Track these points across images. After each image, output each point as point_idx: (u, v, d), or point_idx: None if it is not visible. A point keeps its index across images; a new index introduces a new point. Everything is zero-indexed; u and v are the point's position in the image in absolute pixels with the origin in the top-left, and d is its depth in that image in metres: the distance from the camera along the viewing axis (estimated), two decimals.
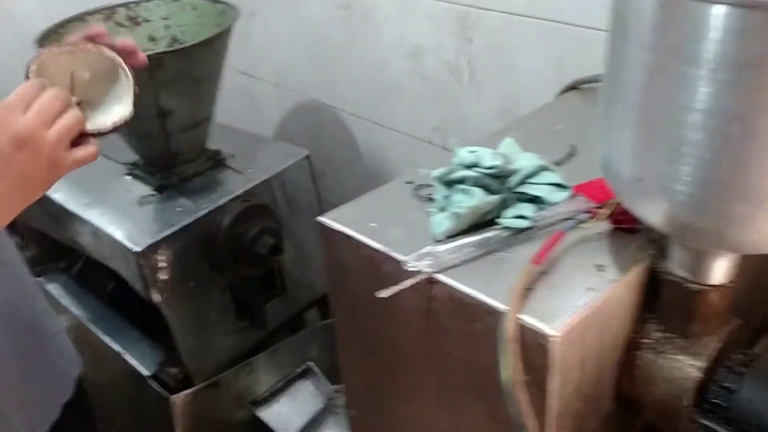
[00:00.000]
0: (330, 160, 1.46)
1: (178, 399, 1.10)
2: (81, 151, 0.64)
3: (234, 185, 1.13)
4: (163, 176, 1.13)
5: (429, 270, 0.53)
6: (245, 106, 1.67)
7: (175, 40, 1.18)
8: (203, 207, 1.08)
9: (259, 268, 1.13)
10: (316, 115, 1.48)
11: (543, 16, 0.96)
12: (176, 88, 1.01)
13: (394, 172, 1.35)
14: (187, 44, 0.98)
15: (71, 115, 0.62)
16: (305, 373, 1.29)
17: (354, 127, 1.40)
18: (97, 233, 1.07)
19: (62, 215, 1.15)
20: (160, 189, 1.12)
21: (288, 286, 1.24)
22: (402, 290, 0.52)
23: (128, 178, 1.17)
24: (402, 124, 1.29)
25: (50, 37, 1.06)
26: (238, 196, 1.10)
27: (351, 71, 1.34)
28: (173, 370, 1.12)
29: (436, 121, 1.22)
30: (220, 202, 1.09)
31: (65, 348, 0.92)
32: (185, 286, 1.08)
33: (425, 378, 0.59)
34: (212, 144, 1.19)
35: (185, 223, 1.05)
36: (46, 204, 1.17)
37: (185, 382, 1.12)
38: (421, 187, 0.68)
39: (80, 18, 1.12)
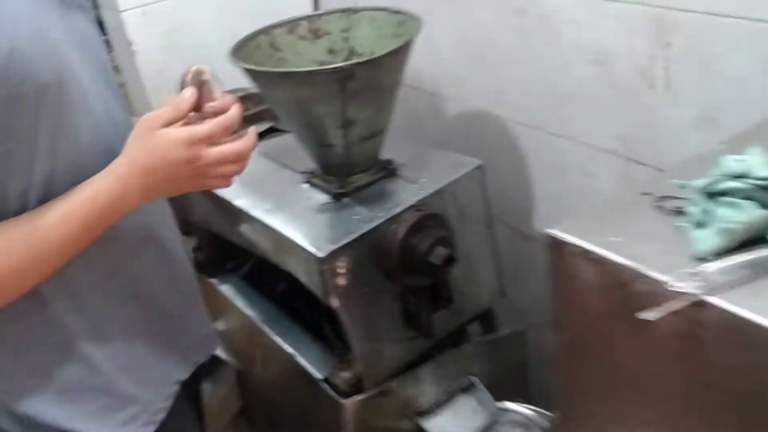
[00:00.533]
0: (495, 170, 1.43)
1: (351, 404, 1.12)
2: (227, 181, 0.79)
3: (407, 195, 1.14)
4: (339, 185, 1.15)
5: (698, 292, 0.49)
6: (402, 115, 1.69)
7: (353, 52, 1.21)
8: (379, 216, 1.09)
9: (430, 278, 1.13)
10: (478, 124, 1.47)
11: (755, 17, 0.89)
12: (363, 99, 1.03)
13: (569, 183, 1.31)
14: (377, 54, 1.00)
15: (239, 166, 0.79)
16: (468, 388, 1.27)
17: (523, 136, 1.37)
18: (280, 238, 1.11)
19: (244, 220, 1.21)
20: (337, 197, 1.15)
21: (454, 298, 1.23)
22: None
23: (306, 186, 1.21)
24: (580, 133, 1.24)
25: (240, 50, 1.12)
26: (412, 206, 1.11)
27: (522, 78, 1.31)
28: (346, 375, 1.14)
29: (622, 129, 1.16)
30: (395, 211, 1.10)
31: (197, 331, 1.00)
32: (360, 293, 1.09)
33: (671, 409, 0.55)
34: (384, 153, 1.21)
35: (363, 231, 1.07)
36: (226, 209, 1.24)
37: (356, 388, 1.14)
38: (664, 198, 0.63)
39: (266, 32, 1.17)
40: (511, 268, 1.43)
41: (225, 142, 0.75)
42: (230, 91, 1.52)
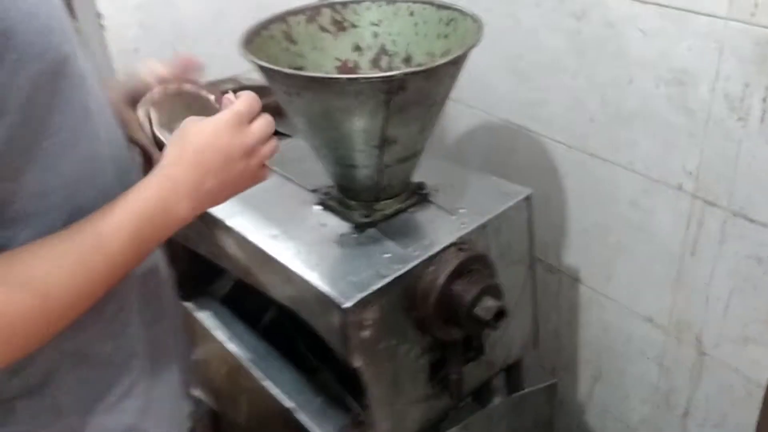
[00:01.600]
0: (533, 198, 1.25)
1: None
2: (266, 171, 0.71)
3: (445, 228, 0.94)
4: (364, 212, 0.95)
5: None
6: None
7: (384, 50, 1.01)
8: (415, 255, 0.89)
9: (471, 331, 0.94)
10: (510, 141, 1.28)
11: None
12: (408, 115, 0.83)
13: (615, 216, 1.14)
14: (435, 64, 0.79)
15: (275, 142, 0.69)
16: None
17: (564, 158, 1.19)
18: (290, 276, 0.90)
19: (242, 246, 0.99)
20: (361, 227, 0.95)
21: (486, 348, 1.04)
22: None
23: (318, 208, 1.00)
24: (639, 162, 1.07)
25: (254, 40, 0.90)
26: (453, 243, 0.91)
27: (571, 92, 1.13)
28: None
29: (694, 163, 1.00)
30: (434, 250, 0.90)
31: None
32: (386, 346, 0.90)
33: None
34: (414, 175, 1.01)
35: (397, 274, 0.87)
36: (218, 229, 1.02)
37: None
38: None
39: (282, 18, 0.96)
40: None
41: None
42: (219, 82, 1.30)
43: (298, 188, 1.05)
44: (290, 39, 0.96)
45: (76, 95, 0.60)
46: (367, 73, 1.01)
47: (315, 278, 0.87)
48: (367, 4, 0.99)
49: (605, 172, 1.14)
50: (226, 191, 0.67)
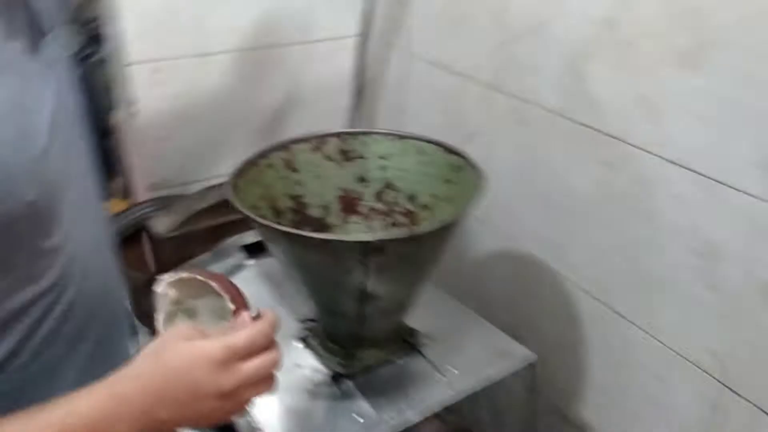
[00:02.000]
0: (542, 336, 1.15)
1: None
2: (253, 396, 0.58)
3: (430, 390, 0.86)
4: (343, 361, 0.88)
5: None
6: None
7: (389, 185, 0.95)
8: (389, 421, 0.81)
9: None
10: (534, 276, 1.18)
11: None
12: (391, 275, 0.76)
13: (633, 379, 1.02)
14: (422, 230, 0.72)
15: (272, 382, 0.58)
16: None
17: (584, 306, 1.09)
18: (248, 420, 0.84)
19: None
20: (336, 378, 0.87)
21: None
22: None
23: (300, 345, 0.93)
24: (661, 329, 0.96)
25: (246, 171, 0.86)
26: (436, 414, 0.83)
27: (596, 241, 1.04)
28: None
29: (717, 344, 0.88)
30: (411, 417, 0.82)
31: None
32: None
33: None
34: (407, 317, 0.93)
35: None
36: None
37: None
38: None
39: (285, 146, 0.91)
40: None
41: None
42: (207, 189, 1.26)
43: (287, 313, 0.99)
44: (291, 167, 0.92)
45: (44, 235, 0.56)
46: (369, 203, 0.95)
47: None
48: (376, 136, 0.94)
49: (628, 332, 1.02)
50: (184, 424, 0.57)
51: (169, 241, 1.09)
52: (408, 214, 0.93)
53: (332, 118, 1.42)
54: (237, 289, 0.62)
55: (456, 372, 0.88)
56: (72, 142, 0.64)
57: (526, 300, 1.20)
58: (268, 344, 0.57)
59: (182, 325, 0.59)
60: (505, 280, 1.26)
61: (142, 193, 1.35)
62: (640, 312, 1.00)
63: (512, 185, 1.17)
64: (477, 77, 1.19)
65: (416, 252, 0.75)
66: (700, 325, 0.91)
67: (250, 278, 1.09)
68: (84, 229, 0.63)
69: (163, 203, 1.23)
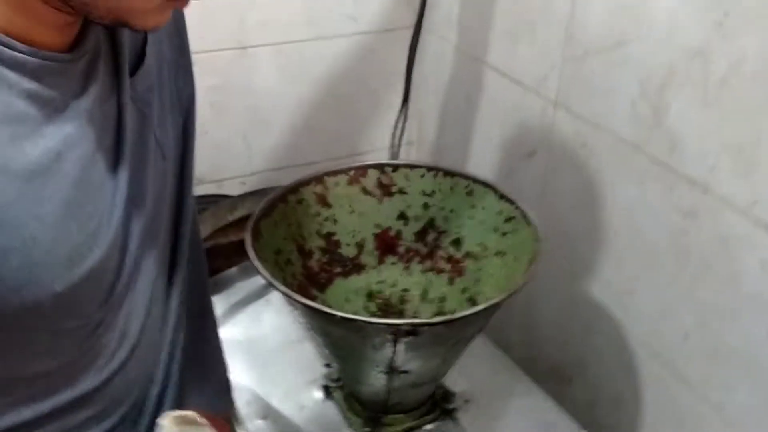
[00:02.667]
0: (598, 391, 1.04)
1: None
2: None
3: None
4: (369, 424, 0.79)
5: None
6: None
7: (432, 224, 0.84)
8: None
9: None
10: (592, 321, 1.06)
11: None
12: (421, 354, 0.66)
13: None
14: (461, 314, 0.62)
15: None
16: None
17: (647, 366, 0.97)
18: None
19: None
20: None
21: None
22: None
23: (320, 395, 0.85)
24: (734, 410, 0.84)
25: (274, 209, 0.76)
26: None
27: (667, 297, 0.91)
28: None
29: None
30: None
31: None
32: None
33: None
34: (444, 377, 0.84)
35: None
36: None
37: None
38: None
39: (319, 179, 0.81)
40: None
41: None
42: (238, 198, 1.17)
43: (313, 354, 0.90)
44: (324, 202, 0.82)
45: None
46: (408, 242, 0.85)
47: None
48: (421, 170, 0.83)
49: (694, 405, 0.90)
50: None
51: None
52: (451, 260, 0.83)
53: (377, 116, 1.32)
54: None
55: None
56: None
57: (580, 344, 1.08)
58: None
59: None
60: (558, 317, 1.15)
61: None
62: (709, 384, 0.87)
63: (573, 214, 1.04)
64: (541, 91, 1.06)
65: (453, 333, 0.65)
66: None
67: (275, 302, 1.01)
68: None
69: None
